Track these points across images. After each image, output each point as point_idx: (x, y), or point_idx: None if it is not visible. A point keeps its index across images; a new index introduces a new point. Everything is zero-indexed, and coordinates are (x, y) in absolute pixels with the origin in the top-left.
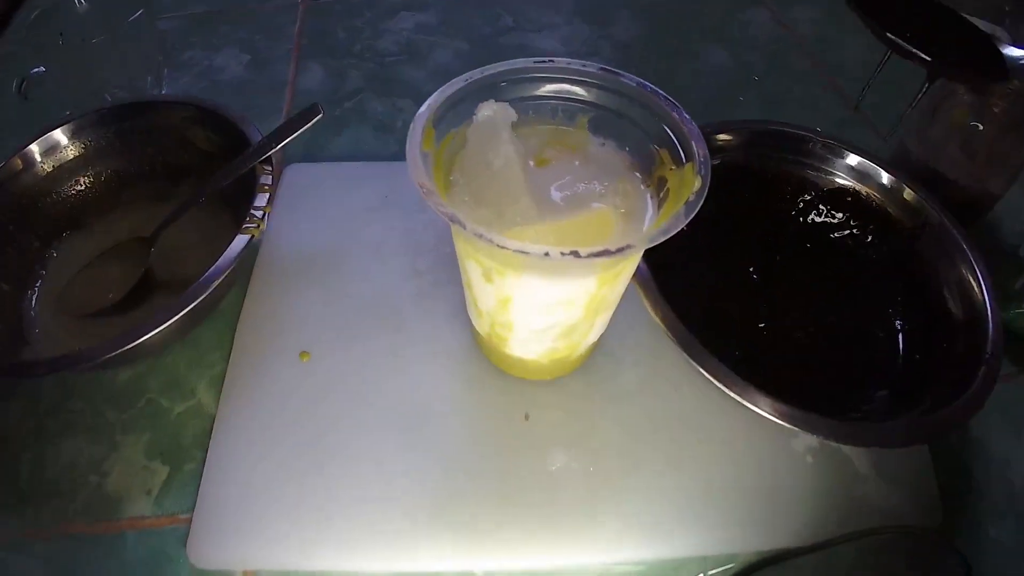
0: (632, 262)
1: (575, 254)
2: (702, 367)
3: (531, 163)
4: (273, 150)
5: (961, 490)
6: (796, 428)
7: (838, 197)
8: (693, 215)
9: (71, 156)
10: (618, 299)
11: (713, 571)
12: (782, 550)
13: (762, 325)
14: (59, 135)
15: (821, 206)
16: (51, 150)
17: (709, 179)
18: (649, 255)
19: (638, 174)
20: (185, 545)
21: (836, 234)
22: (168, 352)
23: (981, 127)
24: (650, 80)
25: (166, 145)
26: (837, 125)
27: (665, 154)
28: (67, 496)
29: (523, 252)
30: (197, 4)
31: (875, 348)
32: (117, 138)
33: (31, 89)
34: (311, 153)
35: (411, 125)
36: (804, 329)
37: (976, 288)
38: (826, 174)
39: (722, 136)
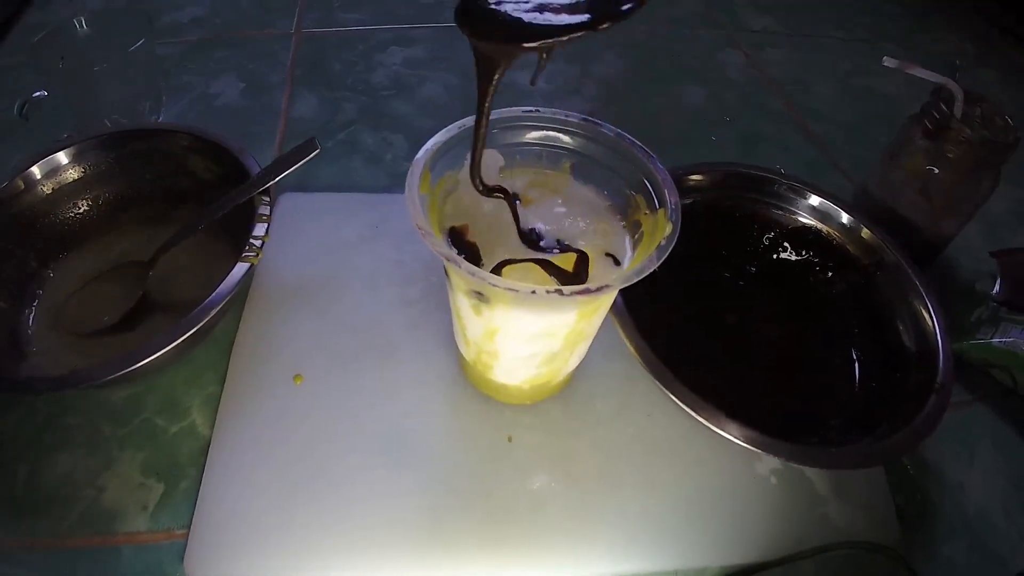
0: (609, 298)
1: (559, 292)
2: (673, 394)
3: (518, 203)
4: (271, 182)
5: (917, 511)
6: (760, 451)
7: (801, 235)
8: (664, 258)
9: (72, 179)
10: (595, 331)
11: None
12: (748, 564)
13: (728, 355)
14: (61, 157)
15: (785, 243)
16: (52, 172)
17: (679, 225)
18: (624, 290)
19: (616, 216)
20: (182, 561)
21: (799, 270)
22: (164, 373)
23: (937, 171)
24: (629, 116)
25: (165, 171)
26: (807, 165)
27: (640, 199)
28: (63, 509)
29: (512, 290)
30: (193, 31)
31: (834, 377)
32: (117, 163)
33: (32, 111)
34: (303, 182)
35: (409, 169)
36: (768, 359)
37: (928, 322)
38: (790, 213)
39: (694, 177)
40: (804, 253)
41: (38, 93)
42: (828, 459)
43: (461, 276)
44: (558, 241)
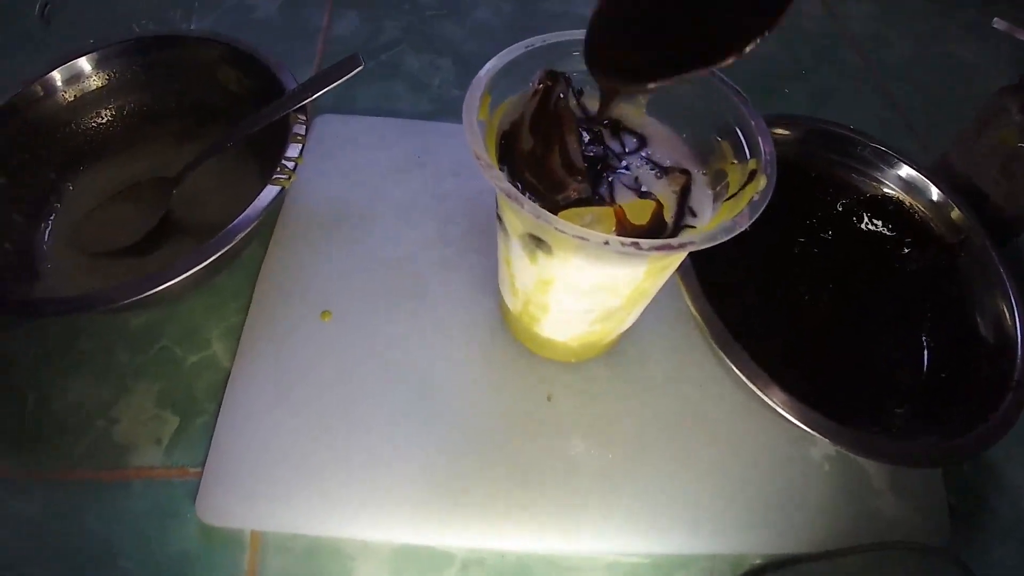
0: (682, 255)
1: (635, 245)
2: (734, 364)
3: (585, 139)
4: (309, 99)
5: (971, 511)
6: (816, 434)
7: (881, 204)
8: (757, 216)
9: (94, 87)
10: (658, 290)
11: (720, 570)
12: (790, 555)
13: (790, 328)
14: (83, 63)
15: (862, 211)
16: (74, 79)
17: (775, 179)
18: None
19: (696, 163)
20: (193, 500)
21: (874, 242)
22: (185, 299)
23: None
24: None
25: (194, 84)
26: (881, 126)
27: (727, 146)
28: (72, 439)
29: (582, 238)
30: None
31: (901, 363)
32: (144, 72)
33: (54, 13)
34: (341, 104)
35: (469, 90)
36: (832, 336)
37: (1008, 314)
38: (872, 180)
39: (769, 128)
40: (882, 224)
41: None
42: (895, 453)
43: (520, 217)
44: (628, 184)
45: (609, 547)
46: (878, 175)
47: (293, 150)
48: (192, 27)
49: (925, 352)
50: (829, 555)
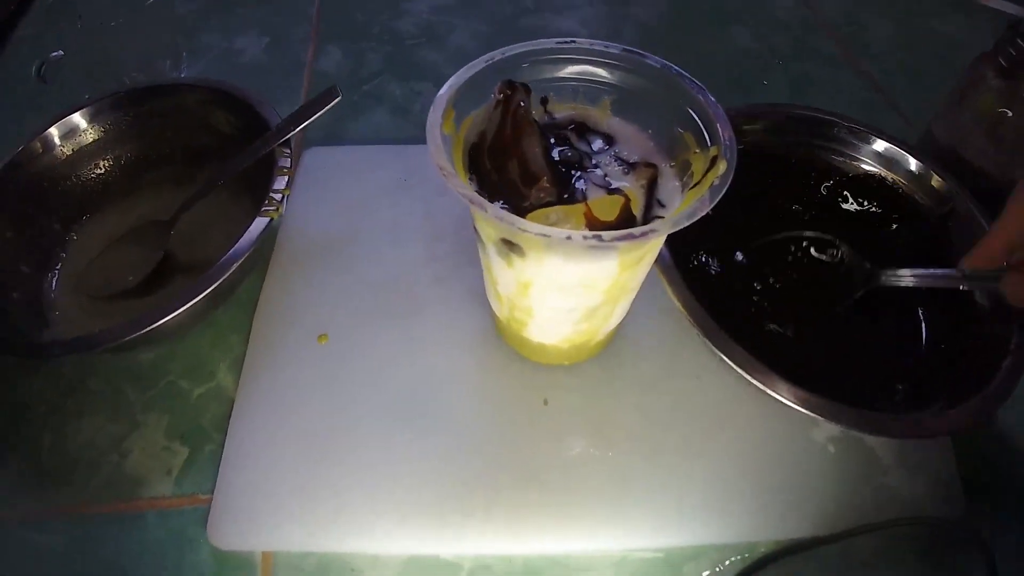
0: (655, 247)
1: (598, 238)
2: (723, 354)
3: (552, 142)
4: (292, 132)
5: (984, 482)
6: (818, 416)
7: (863, 183)
8: (718, 199)
9: (90, 140)
10: (639, 284)
11: (732, 559)
12: (802, 540)
13: (783, 314)
14: (78, 118)
15: (846, 192)
16: (70, 133)
17: (735, 163)
18: (671, 241)
19: (663, 156)
20: (205, 526)
21: (861, 221)
22: (189, 335)
23: (1010, 113)
24: (673, 62)
25: (185, 128)
26: (864, 108)
27: (689, 137)
28: (87, 475)
29: (544, 236)
30: None
31: (898, 337)
32: (136, 121)
33: (50, 73)
34: (330, 137)
35: (432, 106)
36: (826, 318)
37: None
38: (852, 159)
39: (746, 119)
40: (867, 203)
41: (55, 53)
42: (894, 427)
43: (490, 223)
44: (597, 183)
45: (617, 544)
46: (857, 154)
47: (280, 182)
48: (182, 75)
49: (923, 326)
50: (841, 537)
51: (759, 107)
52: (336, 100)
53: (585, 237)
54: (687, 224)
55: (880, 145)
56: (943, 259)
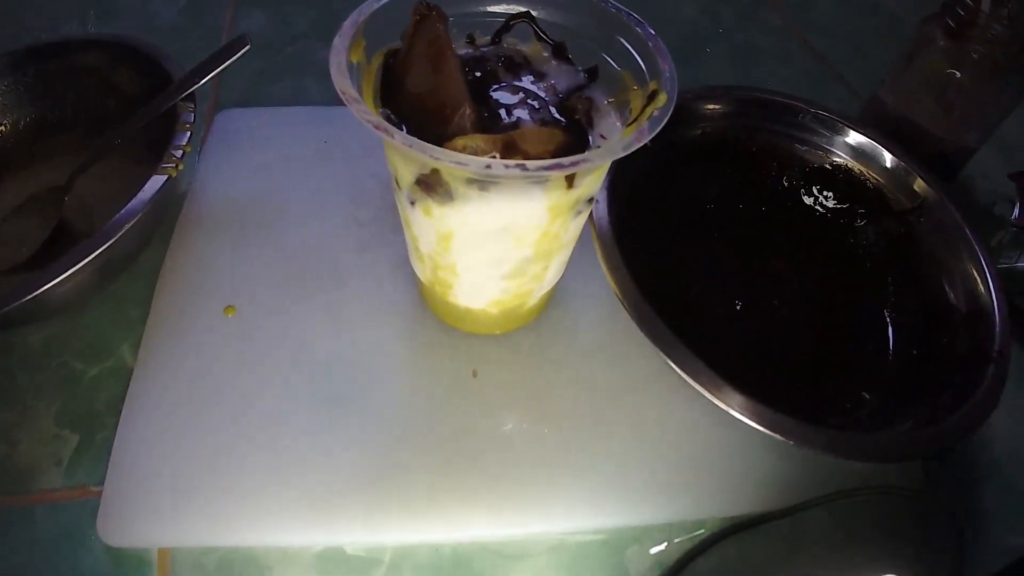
0: (588, 190)
1: (521, 167)
2: (668, 357)
3: (478, 75)
4: (196, 85)
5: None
6: (773, 434)
7: (829, 175)
8: (657, 131)
9: None
10: (573, 241)
11: (680, 539)
12: (752, 516)
13: (737, 310)
14: None
15: (809, 183)
16: None
17: (675, 95)
18: (616, 220)
19: (601, 94)
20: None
21: (823, 213)
22: (86, 311)
23: (958, 74)
24: None
25: (88, 90)
26: (810, 79)
27: (628, 76)
28: None
29: (460, 164)
30: None
31: (862, 342)
32: (36, 82)
33: None
34: (249, 100)
35: (338, 32)
36: (784, 319)
37: (979, 278)
38: (816, 149)
39: (704, 103)
40: (832, 197)
41: None
42: (873, 450)
43: (404, 161)
44: (529, 116)
45: (552, 527)
46: (824, 143)
47: (181, 138)
48: None
49: (889, 329)
50: (792, 510)
51: (716, 89)
52: (245, 49)
53: (507, 166)
54: (623, 155)
55: (851, 136)
56: (912, 255)
